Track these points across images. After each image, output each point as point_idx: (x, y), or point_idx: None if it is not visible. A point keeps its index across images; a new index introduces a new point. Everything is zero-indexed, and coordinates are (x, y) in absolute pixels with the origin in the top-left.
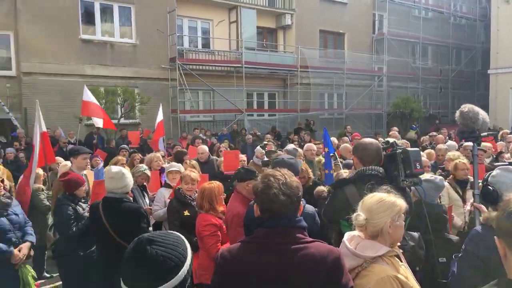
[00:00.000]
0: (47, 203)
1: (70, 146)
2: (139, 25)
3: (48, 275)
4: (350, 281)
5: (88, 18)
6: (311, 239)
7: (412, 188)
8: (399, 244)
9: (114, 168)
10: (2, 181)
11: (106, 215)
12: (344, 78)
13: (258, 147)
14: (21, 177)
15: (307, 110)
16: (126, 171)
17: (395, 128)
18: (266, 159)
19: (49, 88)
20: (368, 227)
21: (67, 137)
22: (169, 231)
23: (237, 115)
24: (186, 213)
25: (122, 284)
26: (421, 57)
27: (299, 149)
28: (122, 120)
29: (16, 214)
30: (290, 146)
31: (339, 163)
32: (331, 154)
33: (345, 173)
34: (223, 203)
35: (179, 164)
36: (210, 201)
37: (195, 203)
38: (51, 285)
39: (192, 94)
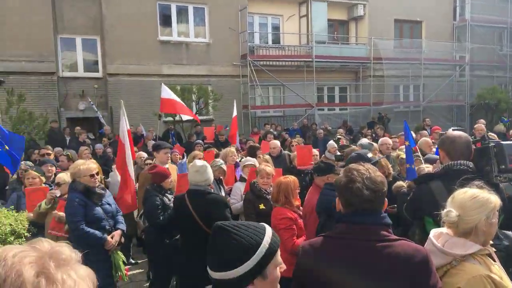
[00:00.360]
0: None
1: (151, 142)
2: (212, 24)
3: (133, 261)
4: (439, 282)
5: (165, 20)
6: (396, 237)
7: (505, 184)
8: (491, 243)
9: (199, 162)
10: (97, 173)
11: (193, 205)
12: (422, 68)
13: (331, 141)
14: (114, 174)
15: (380, 103)
16: (209, 165)
17: (482, 120)
18: (338, 153)
19: (131, 88)
20: (460, 224)
21: (147, 133)
22: (251, 222)
23: (308, 109)
24: (262, 206)
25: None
26: (509, 43)
27: (374, 144)
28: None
29: (109, 204)
30: (365, 141)
31: (420, 157)
32: (412, 147)
33: (427, 168)
34: (298, 197)
35: (254, 159)
36: (286, 195)
37: (270, 196)
38: (138, 271)
39: (263, 90)
